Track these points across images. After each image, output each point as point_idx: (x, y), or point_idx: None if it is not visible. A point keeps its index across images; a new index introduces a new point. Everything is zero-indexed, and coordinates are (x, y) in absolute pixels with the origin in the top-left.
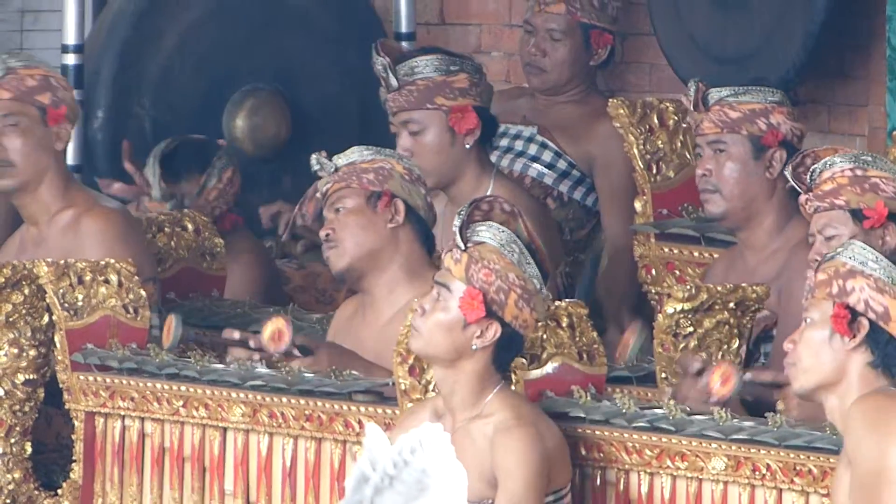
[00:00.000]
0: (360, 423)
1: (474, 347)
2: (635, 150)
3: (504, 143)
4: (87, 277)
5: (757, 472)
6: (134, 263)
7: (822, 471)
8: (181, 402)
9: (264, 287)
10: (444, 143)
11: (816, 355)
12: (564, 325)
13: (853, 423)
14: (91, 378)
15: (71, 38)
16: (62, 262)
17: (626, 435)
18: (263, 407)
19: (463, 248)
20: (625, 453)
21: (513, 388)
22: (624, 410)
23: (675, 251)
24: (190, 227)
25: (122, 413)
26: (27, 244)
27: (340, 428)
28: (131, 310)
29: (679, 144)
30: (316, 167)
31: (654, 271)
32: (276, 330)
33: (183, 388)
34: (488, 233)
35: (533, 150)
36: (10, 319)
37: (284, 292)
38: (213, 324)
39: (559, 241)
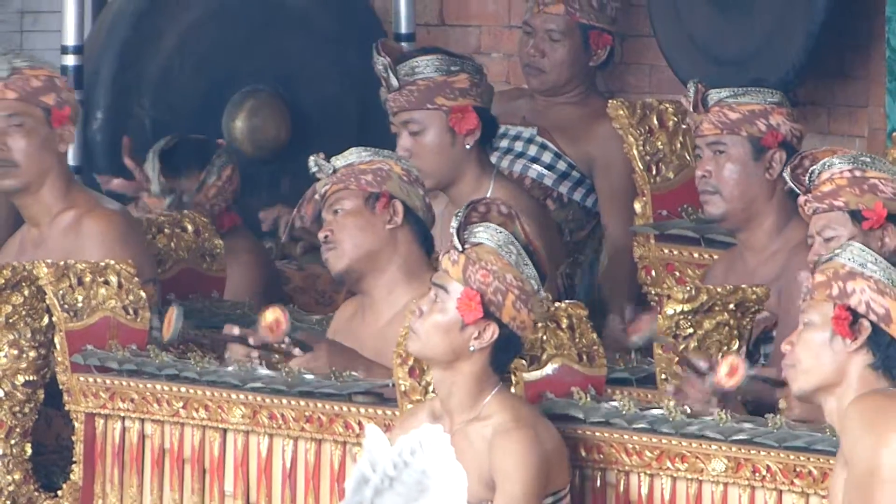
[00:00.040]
0: (360, 424)
1: (472, 349)
2: (635, 152)
3: (504, 144)
4: (87, 279)
5: (757, 474)
6: (134, 265)
7: (823, 472)
8: (181, 404)
9: (264, 288)
10: (445, 144)
11: (817, 357)
12: (564, 326)
13: (850, 423)
14: (91, 379)
15: (70, 40)
16: (62, 263)
17: (626, 436)
18: (263, 408)
19: (460, 249)
20: (625, 455)
21: (513, 389)
22: (624, 412)
23: (675, 252)
24: (190, 228)
25: (122, 414)
26: (28, 245)
27: (340, 429)
28: (131, 311)
29: (679, 145)
30: (314, 169)
31: (653, 272)
32: (274, 320)
33: (183, 389)
34: (486, 234)
35: (533, 151)
36: (10, 321)
37: (284, 293)
38: (213, 325)
39: (559, 243)
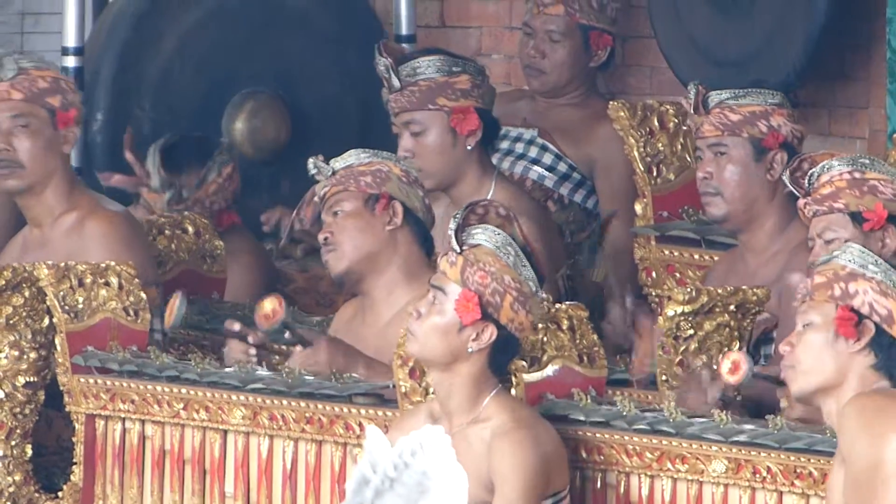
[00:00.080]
0: (360, 425)
1: (470, 350)
2: (636, 153)
3: (504, 145)
4: (88, 280)
5: (757, 475)
6: (136, 267)
7: (823, 473)
8: (182, 405)
9: (264, 289)
10: (446, 144)
11: (818, 358)
12: (565, 327)
13: (848, 422)
14: (91, 380)
15: (71, 41)
16: (62, 264)
17: (626, 437)
18: (264, 409)
19: (458, 250)
20: (625, 456)
21: (513, 390)
22: (624, 413)
23: (676, 254)
24: (190, 229)
25: (123, 415)
26: (30, 246)
27: (341, 430)
28: (132, 312)
29: (679, 147)
30: (313, 171)
31: (654, 274)
32: (271, 309)
33: (183, 390)
34: (484, 235)
35: (533, 152)
36: (11, 322)
37: (285, 293)
38: (213, 326)
39: (560, 244)
